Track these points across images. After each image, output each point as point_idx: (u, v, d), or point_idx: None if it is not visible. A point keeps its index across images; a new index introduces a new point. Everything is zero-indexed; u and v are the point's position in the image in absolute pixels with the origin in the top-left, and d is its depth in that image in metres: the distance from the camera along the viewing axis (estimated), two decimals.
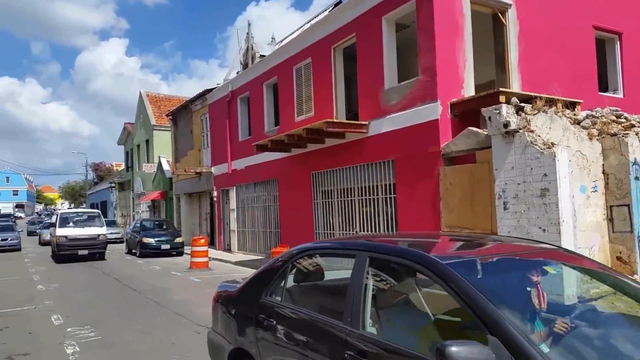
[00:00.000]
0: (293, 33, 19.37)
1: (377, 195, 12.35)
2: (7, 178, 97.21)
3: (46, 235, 28.71)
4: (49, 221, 30.89)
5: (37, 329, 8.27)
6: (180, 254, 21.01)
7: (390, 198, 11.90)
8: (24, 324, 8.73)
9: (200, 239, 16.29)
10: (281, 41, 20.33)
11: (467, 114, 10.42)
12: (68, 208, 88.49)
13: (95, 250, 19.44)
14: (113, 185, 46.78)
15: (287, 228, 16.42)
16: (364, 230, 12.84)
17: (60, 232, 18.93)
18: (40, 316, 9.35)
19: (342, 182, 13.65)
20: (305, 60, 14.98)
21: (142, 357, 6.46)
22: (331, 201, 14.19)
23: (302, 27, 19.01)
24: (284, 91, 16.23)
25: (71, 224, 19.52)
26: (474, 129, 9.74)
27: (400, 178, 11.48)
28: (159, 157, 30.96)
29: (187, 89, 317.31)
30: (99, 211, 23.12)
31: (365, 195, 12.74)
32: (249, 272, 15.71)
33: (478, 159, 9.65)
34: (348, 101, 14.48)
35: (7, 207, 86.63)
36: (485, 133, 9.31)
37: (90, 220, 20.31)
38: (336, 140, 13.36)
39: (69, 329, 8.09)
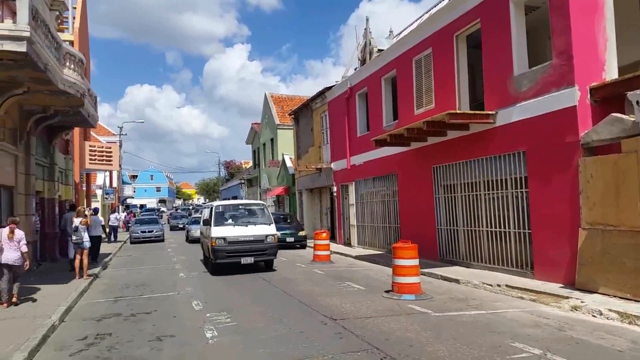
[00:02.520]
0: (411, 25, 19.01)
1: (506, 189, 11.65)
2: (152, 176, 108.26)
3: (195, 231, 25.55)
4: (197, 216, 30.05)
5: (180, 313, 9.09)
6: (304, 246, 21.78)
7: (521, 192, 11.15)
8: (169, 308, 9.65)
9: (322, 232, 16.69)
10: (399, 34, 20.07)
11: (609, 99, 9.39)
12: (203, 202, 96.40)
13: (262, 258, 14.36)
14: (242, 181, 49.84)
15: (407, 223, 16.19)
16: (490, 227, 12.21)
17: (217, 232, 13.99)
18: (182, 301, 10.27)
19: (466, 175, 13.10)
20: (425, 51, 14.60)
21: (273, 343, 6.77)
22: (454, 196, 13.69)
23: (420, 17, 18.58)
24: (403, 84, 15.99)
25: (230, 220, 14.76)
26: (619, 115, 8.75)
27: (532, 171, 10.71)
28: (283, 155, 32.32)
29: (304, 88, 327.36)
30: (264, 203, 17.44)
31: (492, 190, 12.08)
32: (370, 267, 15.75)
33: (624, 148, 8.66)
34: (472, 90, 13.84)
35: (151, 202, 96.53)
36: (632, 119, 8.32)
37: (253, 215, 15.36)
38: (459, 132, 12.85)
39: (207, 314, 8.77)
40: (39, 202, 17.36)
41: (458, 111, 12.45)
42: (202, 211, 19.61)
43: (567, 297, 8.76)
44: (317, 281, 12.31)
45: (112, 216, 30.35)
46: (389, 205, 17.67)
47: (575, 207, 9.52)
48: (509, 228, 11.59)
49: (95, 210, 19.45)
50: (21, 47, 9.58)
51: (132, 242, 28.61)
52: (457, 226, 13.60)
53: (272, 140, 35.78)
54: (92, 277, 13.30)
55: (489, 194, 12.24)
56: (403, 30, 19.56)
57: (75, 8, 23.16)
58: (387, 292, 10.20)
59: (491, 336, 6.85)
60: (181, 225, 40.19)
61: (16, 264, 9.66)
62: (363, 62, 20.38)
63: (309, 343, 6.71)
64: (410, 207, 15.95)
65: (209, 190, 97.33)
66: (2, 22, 9.58)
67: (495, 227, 12.03)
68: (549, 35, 10.39)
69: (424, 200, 14.95)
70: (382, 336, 6.97)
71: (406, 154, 15.88)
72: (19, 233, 9.82)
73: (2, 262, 9.56)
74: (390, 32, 20.49)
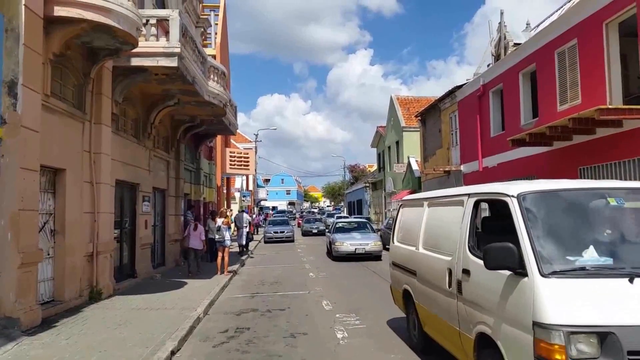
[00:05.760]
0: (551, 15, 17.61)
1: None
2: (282, 180, 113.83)
3: (342, 244, 18.37)
4: (343, 221, 22.87)
5: (311, 312, 9.35)
6: None
7: None
8: (301, 305, 9.98)
9: None
10: (537, 26, 18.69)
11: None
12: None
13: None
14: (367, 185, 50.18)
15: None
16: None
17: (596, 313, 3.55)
18: (313, 300, 10.56)
19: (619, 178, 11.69)
20: (569, 42, 13.36)
21: (405, 349, 6.63)
22: None
23: (562, 7, 17.12)
24: (544, 79, 14.80)
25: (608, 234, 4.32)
26: None
27: None
28: (408, 158, 31.85)
29: (426, 89, 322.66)
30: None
31: None
32: None
33: None
34: (625, 83, 12.35)
35: (282, 205, 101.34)
36: None
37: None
38: (610, 130, 11.53)
39: (337, 315, 8.90)
40: (194, 205, 19.30)
41: (610, 106, 11.17)
42: (401, 210, 7.78)
43: None
44: None
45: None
46: None
47: None
48: None
49: (245, 211, 22.40)
50: (173, 62, 10.64)
51: (265, 242, 30.16)
52: None
53: (397, 143, 35.48)
54: (231, 274, 14.26)
55: None
56: (542, 22, 18.18)
57: (217, 24, 25.22)
58: None
59: None
60: (315, 231, 35.90)
61: (198, 248, 13.95)
62: (497, 57, 19.29)
63: (444, 351, 6.45)
64: None
65: (334, 194, 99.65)
66: (158, 40, 10.71)
67: None
68: None
69: None
70: None
71: (548, 155, 14.66)
72: (200, 228, 14.06)
73: (190, 246, 13.87)
74: (527, 24, 19.17)
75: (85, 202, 9.83)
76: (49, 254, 8.80)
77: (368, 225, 21.68)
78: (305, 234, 36.55)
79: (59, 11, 8.07)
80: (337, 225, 21.31)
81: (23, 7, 7.22)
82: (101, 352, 6.37)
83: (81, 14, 8.17)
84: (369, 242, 18.38)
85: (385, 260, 16.79)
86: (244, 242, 21.15)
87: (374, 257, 18.04)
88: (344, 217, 35.13)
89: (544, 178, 15.04)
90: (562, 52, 13.80)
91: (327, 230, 24.86)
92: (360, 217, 33.41)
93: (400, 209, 7.63)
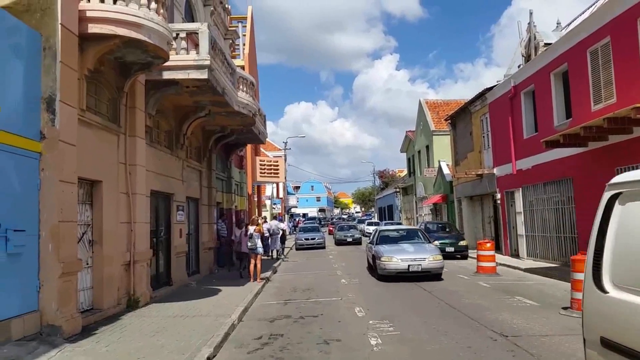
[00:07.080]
0: (583, 14, 17.23)
1: None
2: (312, 187, 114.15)
3: (390, 259, 14.15)
4: (387, 229, 18.86)
5: (344, 318, 9.33)
6: (465, 257, 20.85)
7: None
8: (334, 312, 9.96)
9: (487, 243, 15.79)
10: (568, 25, 18.31)
11: None
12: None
13: None
14: (397, 190, 49.83)
15: (586, 233, 14.45)
16: None
17: None
18: (345, 307, 10.53)
19: None
20: (602, 40, 13.03)
21: (439, 356, 6.55)
22: None
23: (593, 5, 16.72)
24: (577, 78, 14.45)
25: None
26: None
27: None
28: (439, 162, 31.52)
29: (454, 92, 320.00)
30: None
31: None
32: (542, 281, 14.30)
33: None
34: None
35: (312, 212, 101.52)
36: None
37: None
38: None
39: (370, 321, 8.85)
40: (225, 213, 19.70)
41: None
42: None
43: None
44: (482, 294, 11.65)
45: (265, 226, 23.12)
46: (564, 213, 16.02)
47: None
48: None
49: (279, 219, 24.82)
50: (203, 75, 10.85)
51: (297, 249, 30.20)
52: None
53: (427, 147, 35.17)
54: (264, 281, 14.36)
55: None
56: (573, 21, 17.81)
57: (245, 35, 25.60)
58: (564, 308, 9.23)
59: None
60: (350, 240, 32.73)
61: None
62: (528, 58, 18.97)
63: (477, 359, 6.35)
64: (590, 215, 14.23)
65: (365, 200, 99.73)
66: (188, 53, 10.95)
67: None
68: None
69: None
70: (562, 357, 6.30)
71: (583, 156, 14.28)
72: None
73: (242, 251, 14.66)
74: (557, 24, 18.82)
75: (122, 213, 10.09)
76: (87, 264, 9.07)
77: (420, 234, 17.14)
78: (339, 242, 33.00)
79: (93, 28, 8.35)
80: (382, 235, 17.08)
81: (59, 26, 7.51)
82: (139, 358, 6.51)
83: (113, 30, 8.44)
84: (425, 257, 14.15)
85: (447, 279, 14.40)
86: (278, 247, 23.23)
87: (432, 275, 14.18)
88: (375, 223, 34.59)
89: (581, 179, 14.64)
90: (594, 50, 13.47)
91: (368, 241, 20.07)
92: (393, 224, 33.10)
93: (617, 206, 3.38)
